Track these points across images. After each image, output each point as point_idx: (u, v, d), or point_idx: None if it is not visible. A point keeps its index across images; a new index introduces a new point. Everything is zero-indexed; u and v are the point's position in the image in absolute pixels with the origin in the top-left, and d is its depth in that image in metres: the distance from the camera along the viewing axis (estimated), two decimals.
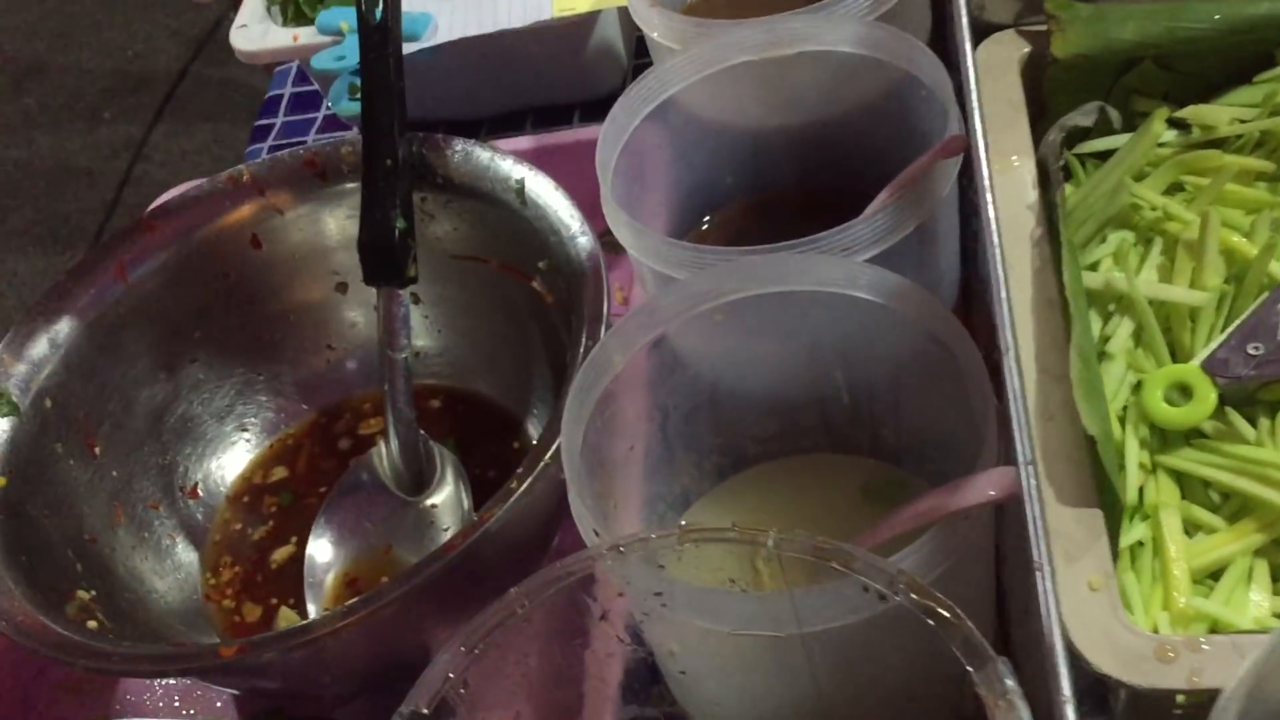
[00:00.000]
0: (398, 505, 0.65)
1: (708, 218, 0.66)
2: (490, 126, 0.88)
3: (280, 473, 0.69)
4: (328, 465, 0.69)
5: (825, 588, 0.39)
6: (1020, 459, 0.36)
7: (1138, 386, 0.50)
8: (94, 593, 0.60)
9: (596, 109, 0.86)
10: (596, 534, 0.45)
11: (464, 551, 0.49)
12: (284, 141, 0.92)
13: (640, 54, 0.88)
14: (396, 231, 0.62)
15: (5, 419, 0.60)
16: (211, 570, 0.67)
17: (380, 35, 0.63)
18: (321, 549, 0.64)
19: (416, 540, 0.64)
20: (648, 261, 0.54)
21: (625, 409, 0.52)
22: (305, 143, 0.91)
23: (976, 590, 0.47)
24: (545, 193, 0.61)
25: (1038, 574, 0.33)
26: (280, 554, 0.67)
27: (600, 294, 0.56)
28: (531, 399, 0.68)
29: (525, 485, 0.50)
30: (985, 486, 0.39)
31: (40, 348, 0.63)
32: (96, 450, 0.64)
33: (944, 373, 0.49)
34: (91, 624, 0.57)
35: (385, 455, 0.65)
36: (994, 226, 0.42)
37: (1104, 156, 0.57)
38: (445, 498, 0.65)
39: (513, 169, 0.63)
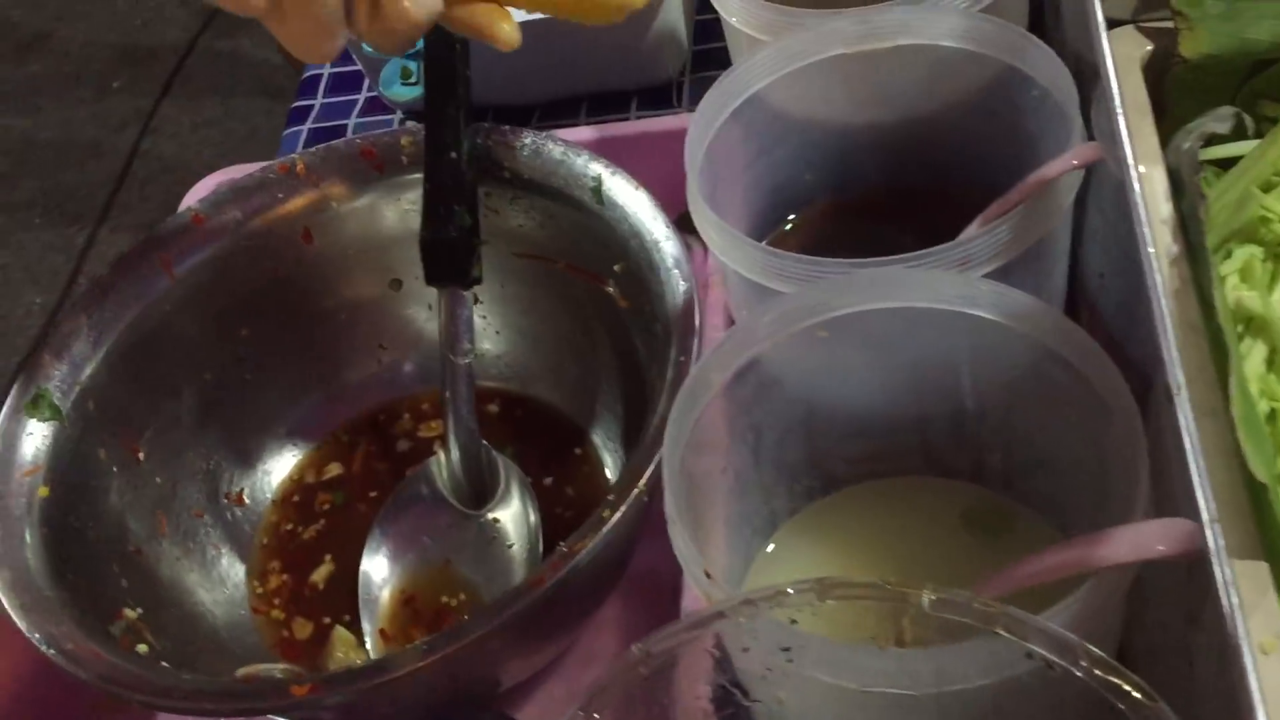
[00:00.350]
0: (457, 519, 0.62)
1: (792, 218, 0.62)
2: (542, 113, 0.84)
3: (334, 469, 0.66)
4: (383, 466, 0.65)
5: (975, 647, 0.36)
6: (1204, 515, 0.33)
7: (1271, 416, 0.47)
8: (140, 610, 0.56)
9: (655, 97, 0.82)
10: (708, 575, 0.41)
11: (553, 585, 0.46)
12: (323, 125, 0.88)
13: (700, 39, 0.84)
14: (461, 229, 0.58)
15: (48, 424, 0.57)
16: (259, 577, 0.63)
17: None
18: (377, 564, 0.61)
19: (478, 556, 0.61)
20: (742, 270, 0.51)
21: (719, 430, 0.49)
22: (346, 126, 0.88)
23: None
24: (625, 192, 0.58)
25: (1243, 656, 0.30)
26: (322, 573, 0.63)
27: (691, 307, 0.53)
28: (596, 406, 0.65)
29: (619, 515, 0.47)
30: (1152, 540, 0.35)
31: (82, 346, 0.59)
32: (140, 455, 0.61)
33: (1068, 399, 0.45)
34: (141, 647, 0.54)
35: (444, 465, 0.62)
36: (1149, 247, 0.39)
37: (1228, 165, 0.53)
38: (509, 512, 0.61)
39: (589, 165, 0.59)
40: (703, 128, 0.56)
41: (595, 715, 0.33)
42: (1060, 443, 0.48)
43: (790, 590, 0.35)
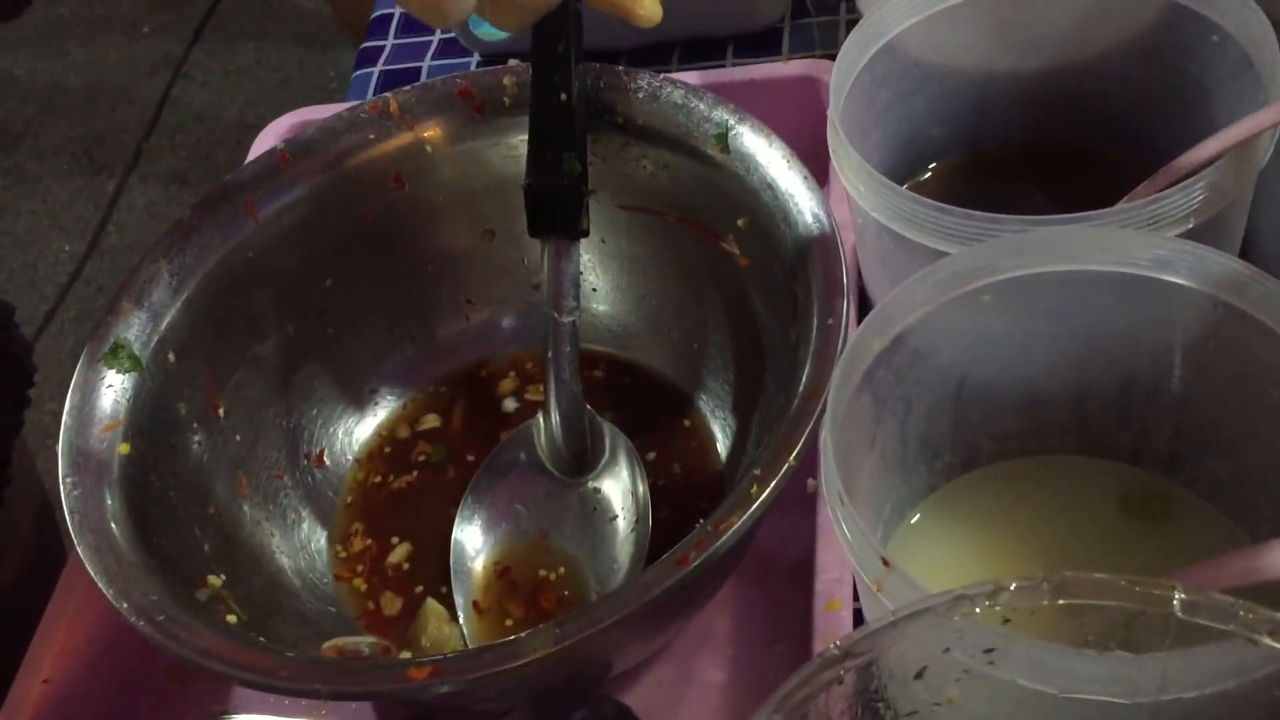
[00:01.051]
0: (556, 488, 0.58)
1: (930, 169, 0.58)
2: (629, 59, 0.79)
3: (432, 420, 0.62)
4: (485, 426, 0.61)
5: (1214, 652, 0.32)
6: None
7: None
8: (224, 577, 0.53)
9: (754, 43, 0.77)
10: (886, 564, 0.37)
11: (697, 566, 0.42)
12: (396, 67, 0.83)
13: None
14: (570, 177, 0.54)
15: (128, 375, 0.53)
16: (341, 541, 0.60)
17: None
18: (470, 533, 0.57)
19: (578, 527, 0.57)
20: (899, 228, 0.46)
21: (870, 402, 0.45)
22: (420, 69, 0.83)
23: None
24: (755, 141, 0.53)
25: None
26: (404, 548, 0.59)
27: (837, 263, 0.48)
28: (702, 373, 0.60)
29: (768, 492, 0.43)
30: None
31: (161, 292, 0.55)
32: (220, 412, 0.57)
33: (1272, 377, 0.41)
34: (231, 618, 0.50)
35: (544, 430, 0.58)
36: None
37: None
38: (613, 481, 0.57)
39: (713, 110, 0.54)
40: (844, 74, 0.52)
41: None
42: (1249, 424, 0.44)
43: (1013, 586, 0.31)
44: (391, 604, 0.57)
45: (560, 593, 0.55)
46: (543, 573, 0.56)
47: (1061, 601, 0.31)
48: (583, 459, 0.58)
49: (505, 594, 0.56)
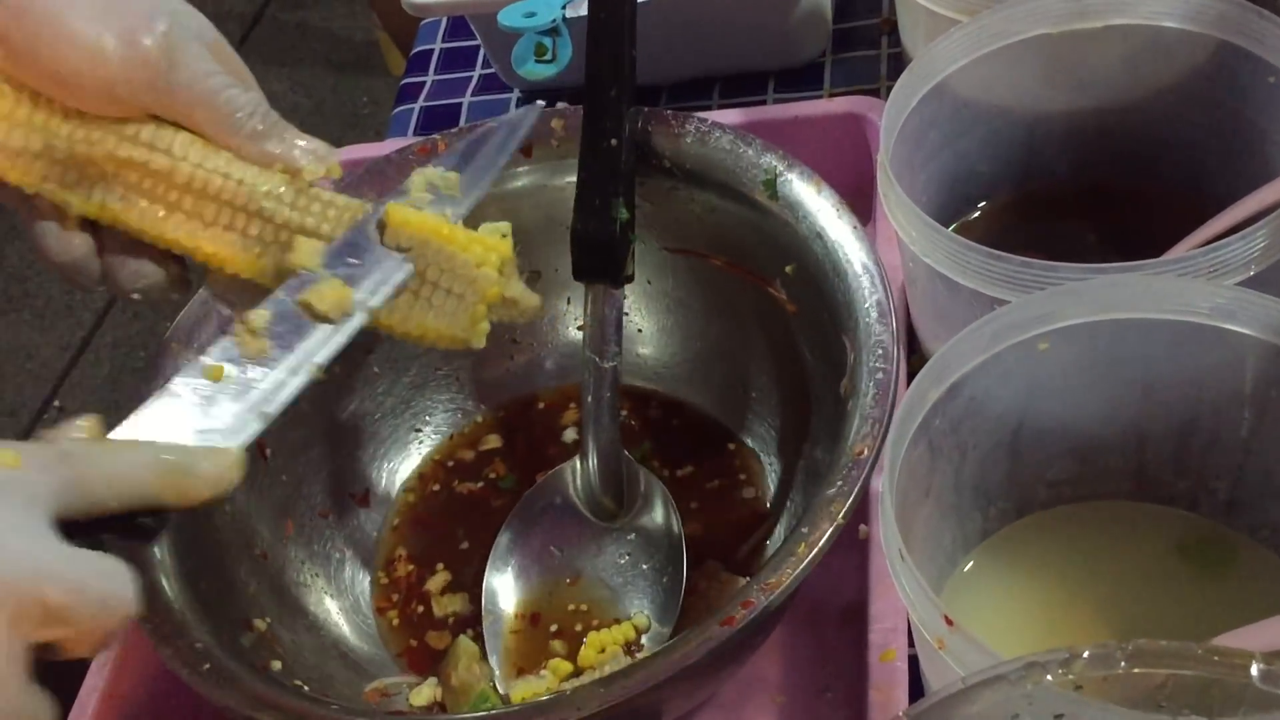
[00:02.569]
0: (590, 531, 0.57)
1: (980, 208, 0.57)
2: (670, 94, 0.79)
3: (493, 441, 0.62)
4: (554, 453, 0.61)
5: None
6: None
7: None
8: (269, 620, 0.53)
9: (795, 79, 0.77)
10: (949, 621, 0.37)
11: (744, 625, 0.41)
12: (436, 103, 0.84)
13: (840, 18, 0.79)
14: (617, 223, 0.54)
15: None
16: (384, 568, 0.59)
17: None
18: (504, 575, 0.57)
19: (612, 571, 0.56)
20: (956, 276, 0.46)
21: (927, 452, 0.44)
22: (460, 105, 0.83)
23: None
24: (805, 188, 0.53)
25: None
26: (441, 579, 0.59)
27: (888, 317, 0.48)
28: (748, 416, 0.60)
29: (815, 550, 0.42)
30: None
31: (210, 333, 0.56)
32: (267, 452, 0.57)
33: None
34: (275, 664, 0.50)
35: (579, 473, 0.57)
36: None
37: None
38: (647, 525, 0.57)
39: (761, 156, 0.54)
40: (894, 117, 0.51)
41: None
42: None
43: (1086, 654, 0.30)
44: (436, 640, 0.57)
45: (595, 637, 0.55)
46: (575, 614, 0.56)
47: (1136, 670, 0.30)
48: (619, 503, 0.57)
49: (537, 636, 0.56)
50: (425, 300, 0.47)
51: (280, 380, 0.43)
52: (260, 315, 0.44)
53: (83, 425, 0.39)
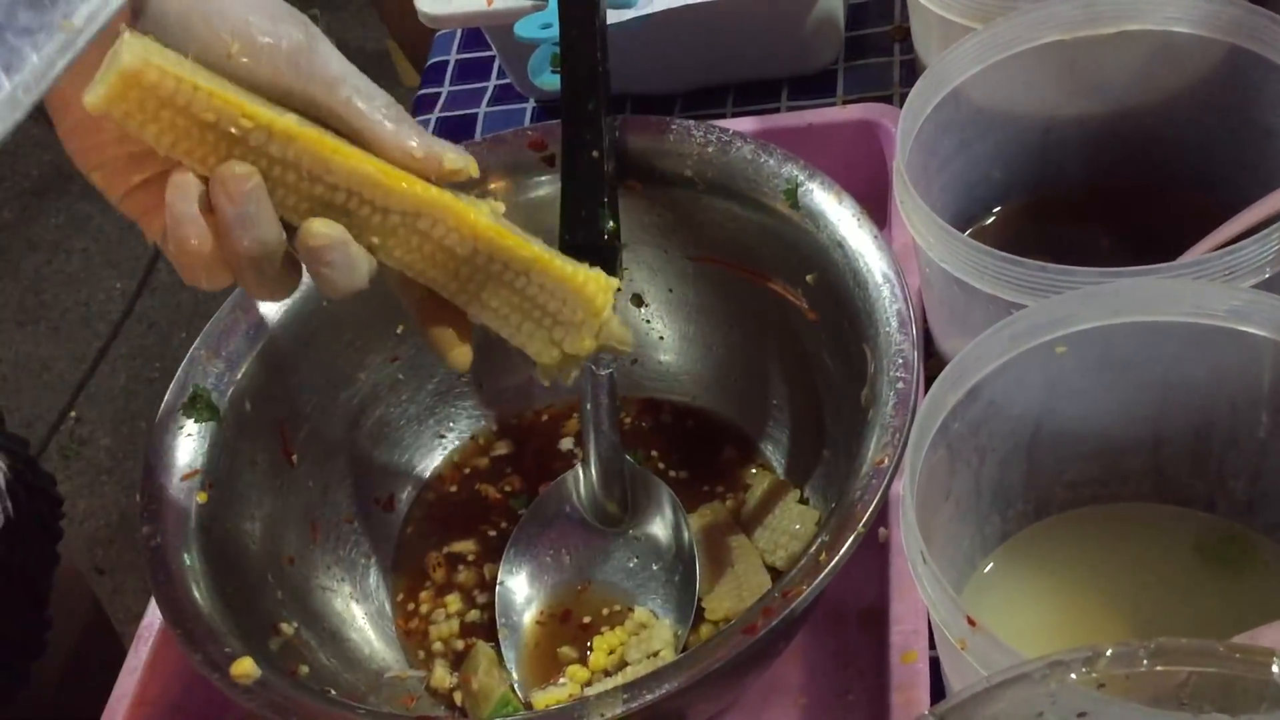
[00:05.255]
0: (596, 537, 0.58)
1: (995, 213, 0.58)
2: (685, 102, 0.80)
3: (503, 448, 0.63)
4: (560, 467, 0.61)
5: None
6: None
7: None
8: (296, 625, 0.53)
9: (808, 86, 0.78)
10: (971, 622, 0.37)
11: (767, 633, 0.42)
12: (453, 113, 0.84)
13: (852, 25, 0.80)
14: (605, 232, 0.54)
15: (206, 424, 0.54)
16: (406, 572, 0.60)
17: (584, 7, 0.56)
18: (516, 583, 0.58)
19: (621, 575, 0.57)
20: (972, 280, 0.47)
21: (946, 455, 0.45)
22: (475, 116, 0.84)
23: None
24: (826, 198, 0.53)
25: None
26: (456, 588, 0.60)
27: (908, 326, 0.48)
28: (767, 423, 0.61)
29: (836, 559, 0.43)
30: None
31: (239, 342, 0.56)
32: (294, 459, 0.58)
33: None
34: (303, 669, 0.51)
35: (582, 481, 0.58)
36: None
37: None
38: (655, 529, 0.57)
39: (782, 166, 0.55)
40: (911, 121, 0.52)
41: None
42: None
43: (1109, 652, 0.31)
44: (456, 646, 0.57)
45: (602, 640, 0.55)
46: (588, 619, 0.56)
47: (1157, 668, 0.30)
48: (624, 508, 0.58)
49: (553, 641, 0.56)
50: (545, 330, 0.46)
51: None
52: None
53: None
